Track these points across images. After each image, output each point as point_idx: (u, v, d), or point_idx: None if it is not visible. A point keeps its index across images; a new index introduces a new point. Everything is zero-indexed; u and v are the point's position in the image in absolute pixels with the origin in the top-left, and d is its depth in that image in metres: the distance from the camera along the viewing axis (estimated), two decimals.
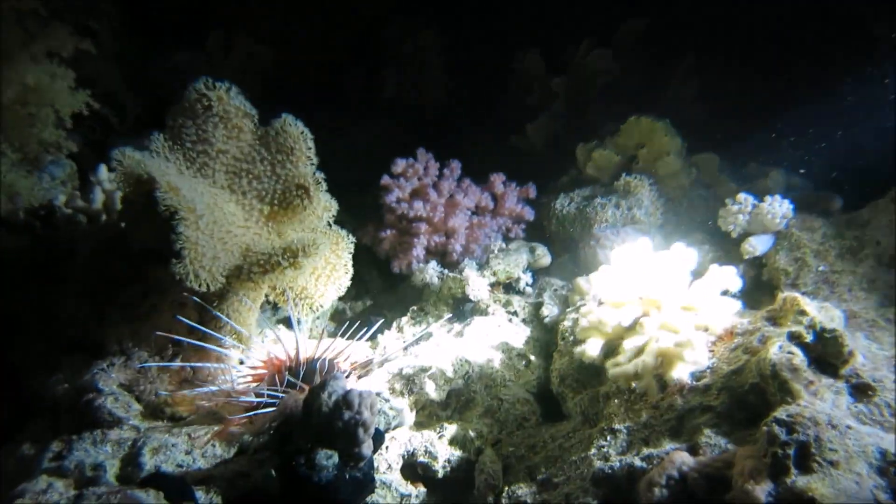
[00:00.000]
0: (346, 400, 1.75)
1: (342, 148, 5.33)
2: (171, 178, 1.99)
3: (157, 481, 1.62)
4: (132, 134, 4.03)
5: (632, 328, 2.12)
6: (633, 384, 2.10)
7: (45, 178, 3.63)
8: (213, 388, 2.18)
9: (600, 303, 2.28)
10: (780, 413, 1.61)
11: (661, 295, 2.09)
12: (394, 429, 2.21)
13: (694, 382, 1.98)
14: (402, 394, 2.53)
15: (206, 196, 2.16)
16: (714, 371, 1.98)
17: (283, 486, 1.70)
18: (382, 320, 2.92)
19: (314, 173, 2.34)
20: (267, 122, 2.37)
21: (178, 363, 2.26)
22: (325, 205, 2.37)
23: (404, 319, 3.08)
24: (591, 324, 2.17)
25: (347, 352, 2.37)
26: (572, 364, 2.41)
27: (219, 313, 2.25)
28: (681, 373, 1.95)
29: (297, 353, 2.26)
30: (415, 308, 3.14)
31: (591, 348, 2.14)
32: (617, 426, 2.06)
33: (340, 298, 3.45)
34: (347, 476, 1.72)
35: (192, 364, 2.25)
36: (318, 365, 2.30)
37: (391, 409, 2.16)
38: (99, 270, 2.29)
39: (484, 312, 2.93)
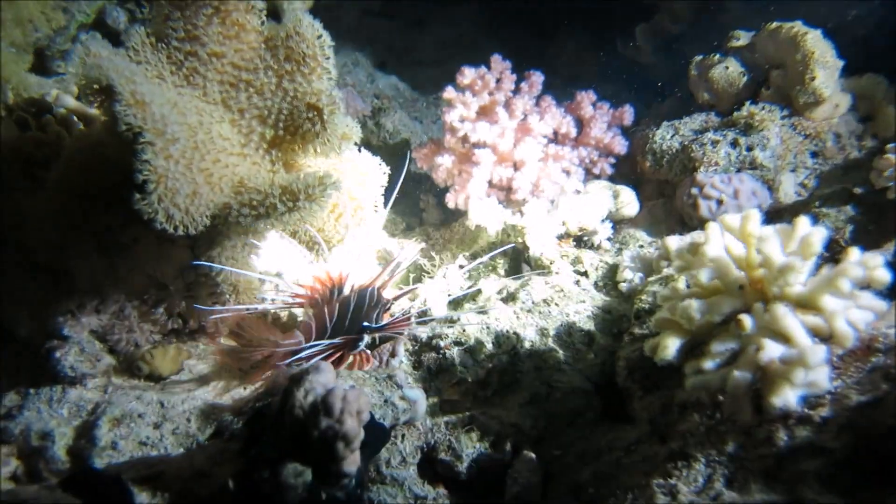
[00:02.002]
0: (325, 403, 1.44)
1: (418, 44, 4.91)
2: (137, 88, 1.67)
3: (84, 482, 1.39)
4: None
5: (725, 325, 1.69)
6: (720, 398, 1.70)
7: (75, 63, 3.41)
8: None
9: (688, 284, 1.85)
10: None
11: (771, 285, 1.63)
12: (403, 424, 1.91)
13: (805, 411, 1.56)
14: (427, 369, 2.22)
15: (191, 113, 1.85)
16: (837, 399, 1.55)
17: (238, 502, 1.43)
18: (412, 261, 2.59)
19: (331, 91, 1.97)
20: None
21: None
22: (342, 132, 2.00)
23: (451, 268, 2.74)
24: (672, 313, 1.74)
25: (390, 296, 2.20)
26: (645, 355, 2.00)
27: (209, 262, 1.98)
28: (787, 398, 1.53)
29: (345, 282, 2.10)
30: (466, 254, 2.79)
31: (668, 347, 1.73)
32: (693, 451, 1.68)
33: (385, 229, 3.16)
34: (324, 497, 1.44)
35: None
36: (368, 294, 2.09)
37: (402, 398, 1.85)
38: (76, 186, 2.03)
39: (546, 270, 2.55)
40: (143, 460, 1.69)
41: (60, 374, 1.90)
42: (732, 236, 1.68)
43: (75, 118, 2.49)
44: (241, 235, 1.97)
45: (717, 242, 1.66)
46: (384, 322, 2.14)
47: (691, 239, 2.09)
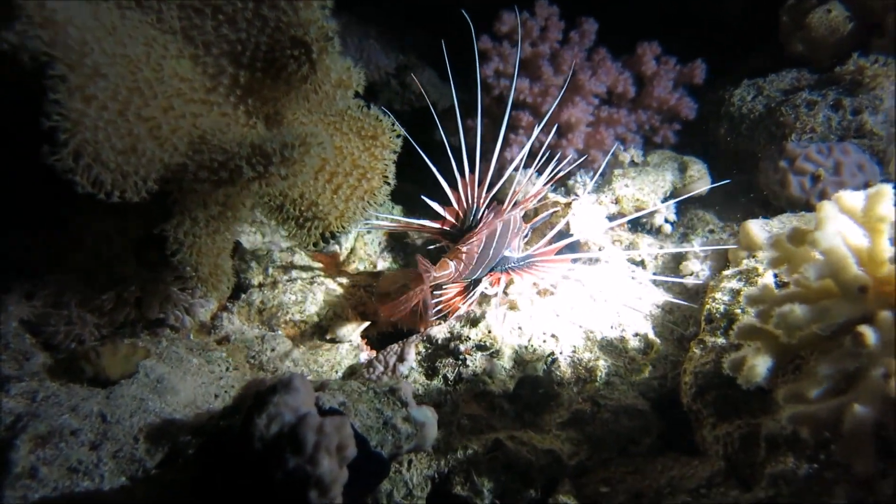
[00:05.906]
0: (293, 436, 1.16)
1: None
2: (48, 2, 1.38)
3: None
4: None
5: (836, 339, 1.36)
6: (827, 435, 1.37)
7: None
8: None
9: (777, 282, 1.51)
10: None
11: None
12: (407, 453, 1.61)
13: None
14: (444, 379, 1.92)
15: (136, 43, 1.54)
16: None
17: None
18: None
19: (323, 23, 1.64)
20: None
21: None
22: (338, 77, 1.69)
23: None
24: (764, 321, 1.41)
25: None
26: (720, 369, 1.67)
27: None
28: None
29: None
30: None
31: (757, 367, 1.42)
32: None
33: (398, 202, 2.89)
34: None
35: None
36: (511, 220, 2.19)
37: (406, 420, 1.54)
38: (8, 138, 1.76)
39: (593, 257, 2.24)
40: (68, 496, 1.40)
41: None
42: (852, 221, 1.34)
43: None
44: (205, 207, 1.66)
45: (833, 228, 1.31)
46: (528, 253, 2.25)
47: (780, 222, 1.74)
